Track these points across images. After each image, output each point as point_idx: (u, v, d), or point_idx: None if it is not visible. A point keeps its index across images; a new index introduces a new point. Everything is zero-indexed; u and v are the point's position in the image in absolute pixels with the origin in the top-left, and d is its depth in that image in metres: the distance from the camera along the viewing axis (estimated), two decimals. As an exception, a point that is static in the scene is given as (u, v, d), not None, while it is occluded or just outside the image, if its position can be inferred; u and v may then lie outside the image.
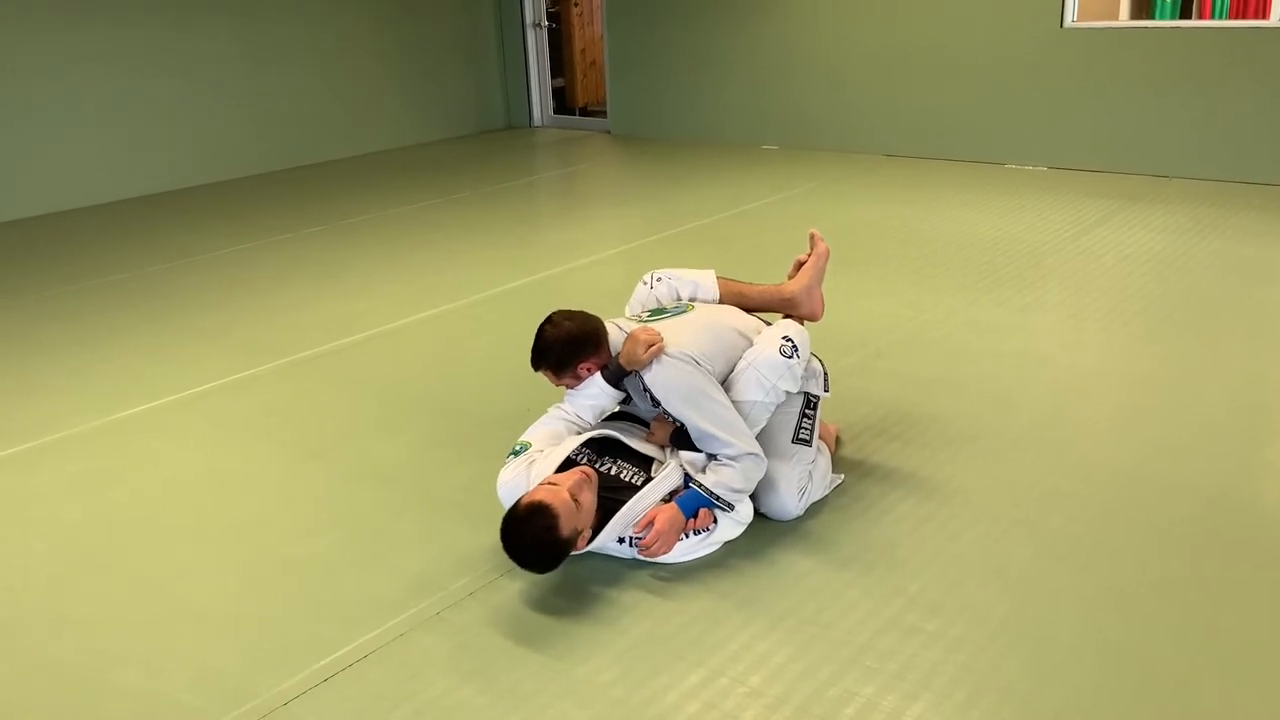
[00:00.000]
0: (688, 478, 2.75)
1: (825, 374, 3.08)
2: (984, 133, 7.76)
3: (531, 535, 2.48)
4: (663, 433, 2.89)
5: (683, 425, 2.79)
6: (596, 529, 2.63)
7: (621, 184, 8.06)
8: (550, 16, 10.49)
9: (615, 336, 2.88)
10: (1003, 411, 3.56)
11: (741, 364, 2.86)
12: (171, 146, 8.08)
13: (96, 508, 3.23)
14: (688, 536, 2.71)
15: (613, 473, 2.76)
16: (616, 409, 3.07)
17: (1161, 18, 7.21)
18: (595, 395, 2.88)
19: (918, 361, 4.04)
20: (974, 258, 5.35)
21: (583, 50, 11.13)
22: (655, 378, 2.77)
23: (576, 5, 11.04)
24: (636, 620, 2.51)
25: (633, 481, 2.74)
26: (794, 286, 3.19)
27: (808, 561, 2.72)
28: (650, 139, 9.48)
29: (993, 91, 7.64)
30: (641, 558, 2.70)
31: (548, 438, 2.87)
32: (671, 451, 2.86)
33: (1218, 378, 3.78)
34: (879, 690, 2.23)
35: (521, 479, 2.71)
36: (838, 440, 3.36)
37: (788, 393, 2.88)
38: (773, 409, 2.87)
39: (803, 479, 2.89)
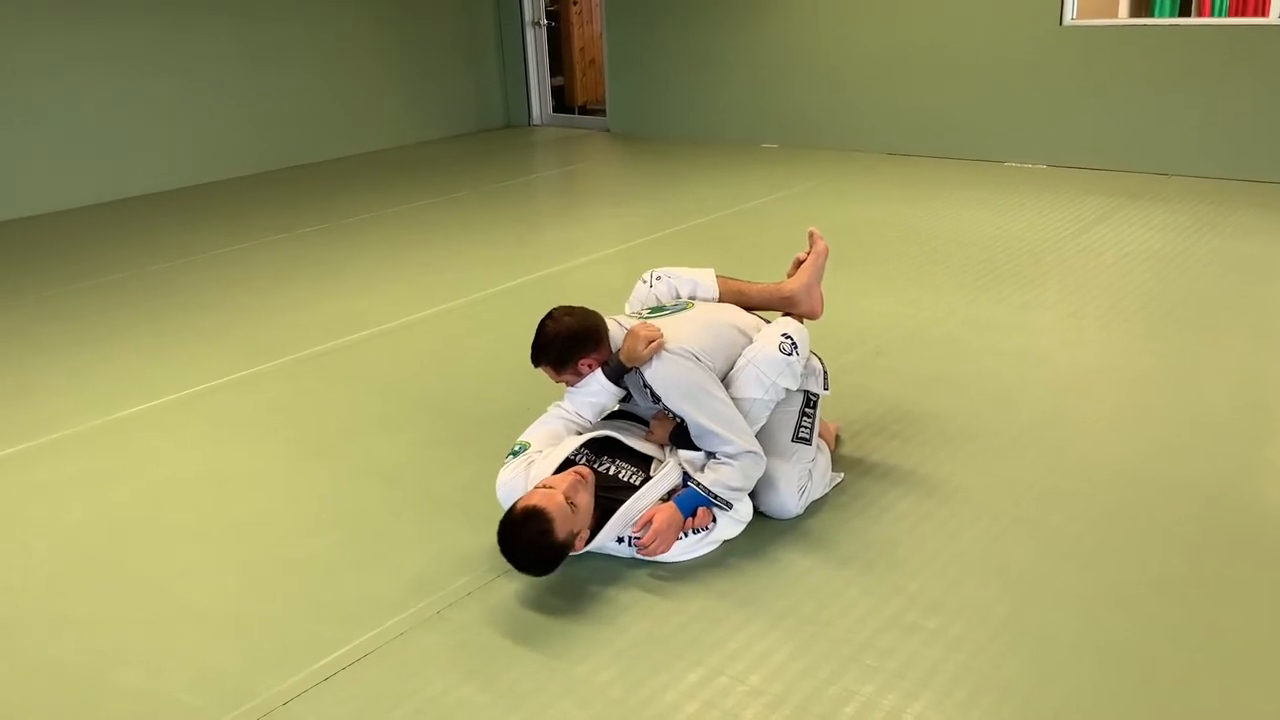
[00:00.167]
0: (686, 476, 2.74)
1: (825, 372, 3.08)
2: (983, 131, 7.76)
3: (527, 540, 2.48)
4: (662, 431, 2.89)
5: (682, 423, 2.79)
6: (595, 529, 2.63)
7: (621, 183, 8.06)
8: (549, 15, 10.49)
9: (615, 333, 2.88)
10: (1003, 409, 3.56)
11: (741, 361, 2.86)
12: (171, 146, 8.08)
13: (96, 507, 3.23)
14: (686, 535, 2.70)
15: (611, 472, 2.76)
16: (616, 407, 3.07)
17: (1161, 15, 7.22)
18: (596, 392, 2.88)
19: (917, 359, 4.04)
20: (974, 255, 5.35)
21: (582, 49, 11.12)
22: (655, 374, 2.77)
23: (575, 4, 11.03)
24: (635, 619, 2.51)
25: (631, 481, 2.74)
26: (793, 285, 3.19)
27: (807, 560, 2.72)
28: (649, 137, 9.47)
29: (992, 89, 7.64)
30: (640, 557, 2.70)
31: (547, 438, 2.87)
32: (671, 450, 2.86)
33: (1218, 376, 3.77)
34: (879, 689, 2.23)
35: (520, 479, 2.71)
36: (837, 438, 3.36)
37: (787, 390, 2.88)
38: (772, 406, 2.87)
39: (802, 477, 2.89)
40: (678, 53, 9.15)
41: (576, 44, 11.11)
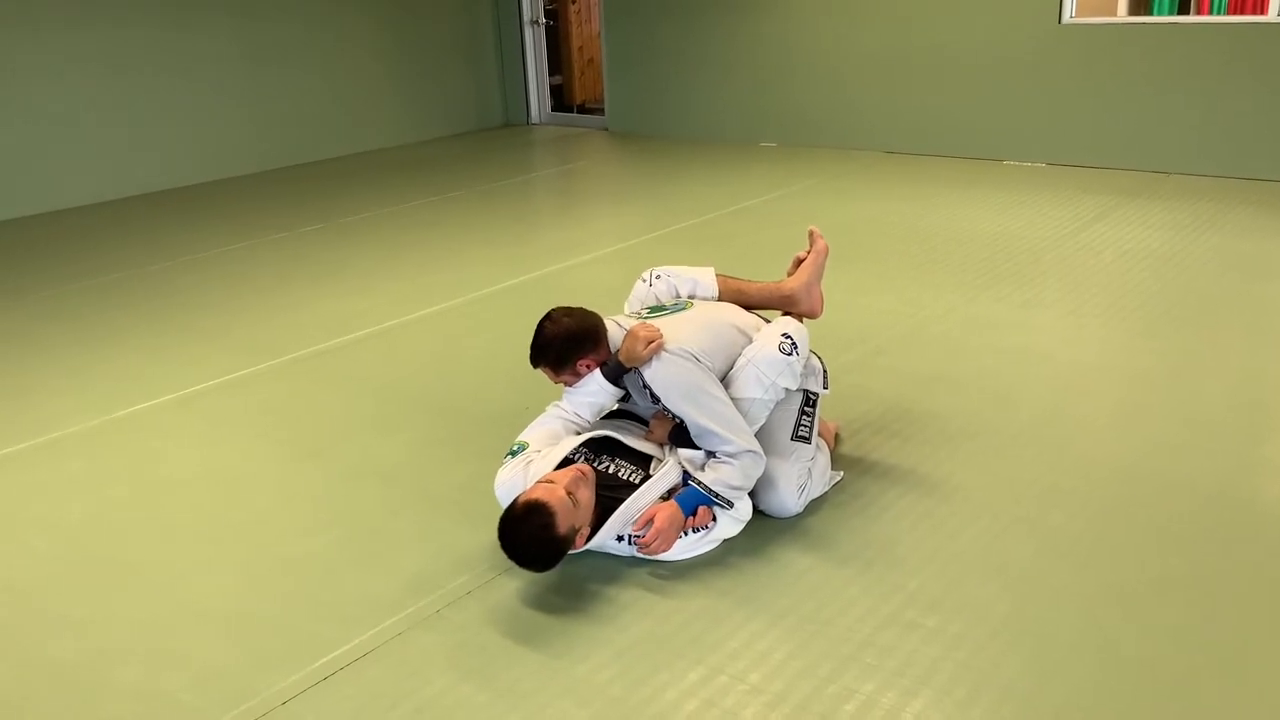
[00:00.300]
0: (686, 475, 2.74)
1: (824, 371, 3.08)
2: (982, 129, 7.76)
3: (528, 534, 2.48)
4: (662, 430, 2.89)
5: (682, 422, 2.79)
6: (595, 527, 2.63)
7: (619, 181, 8.06)
8: (548, 14, 10.48)
9: (614, 334, 2.88)
10: (1002, 408, 3.56)
11: (741, 361, 2.86)
12: (171, 146, 8.08)
13: (96, 507, 3.23)
14: (687, 534, 2.71)
15: (611, 471, 2.76)
16: (615, 407, 3.07)
17: (1160, 13, 7.21)
18: (594, 393, 2.88)
19: (917, 358, 4.04)
20: (973, 254, 5.35)
21: (580, 48, 11.12)
22: (655, 374, 2.77)
23: (574, 3, 11.03)
24: (635, 618, 2.51)
25: (631, 480, 2.74)
26: (793, 284, 3.19)
27: (807, 559, 2.72)
28: (648, 136, 9.47)
29: (991, 88, 7.64)
30: (640, 555, 2.70)
31: (545, 437, 2.87)
32: (670, 449, 2.86)
33: (1217, 374, 3.77)
34: (879, 687, 2.23)
35: (519, 479, 2.71)
36: (837, 437, 3.36)
37: (787, 390, 2.88)
38: (772, 406, 2.87)
39: (802, 476, 2.89)
40: (676, 51, 9.15)
41: (575, 43, 11.10)
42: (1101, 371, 3.88)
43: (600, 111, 10.19)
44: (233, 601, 2.69)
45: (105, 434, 3.75)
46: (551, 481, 2.57)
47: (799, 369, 2.87)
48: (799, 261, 3.25)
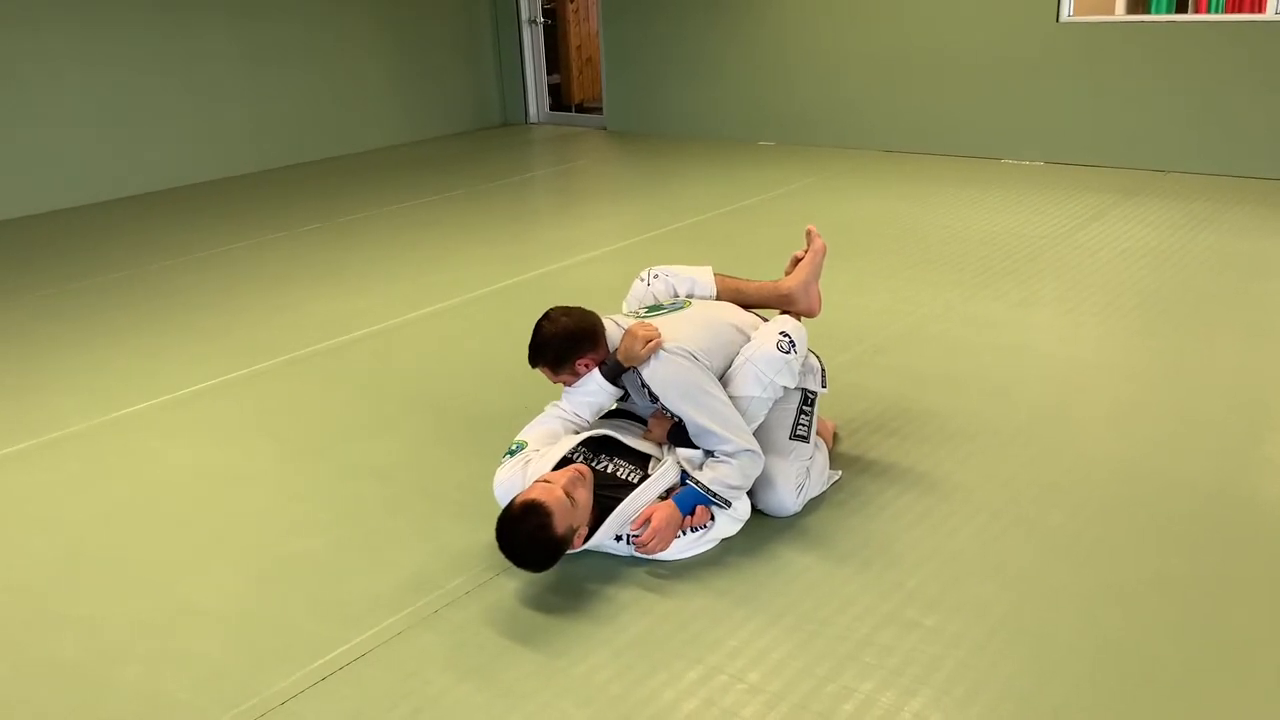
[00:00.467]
0: (685, 475, 2.74)
1: (823, 370, 3.08)
2: (980, 128, 7.76)
3: (526, 534, 2.48)
4: (660, 429, 2.89)
5: (680, 422, 2.79)
6: (593, 527, 2.63)
7: (618, 181, 8.06)
8: (546, 13, 10.48)
9: (613, 333, 2.88)
10: (1000, 406, 3.56)
11: (739, 360, 2.86)
12: (171, 145, 8.07)
13: (96, 507, 3.23)
14: (685, 534, 2.71)
15: (609, 470, 2.76)
16: (614, 406, 3.07)
17: (1157, 12, 7.21)
18: (593, 392, 2.88)
19: (915, 357, 4.04)
20: (971, 252, 5.36)
21: (578, 47, 11.12)
22: (653, 373, 2.77)
23: (572, 2, 11.03)
24: (634, 618, 2.51)
25: (629, 479, 2.74)
26: (791, 283, 3.19)
27: (806, 558, 2.72)
28: (646, 135, 9.47)
29: (989, 86, 7.64)
30: (639, 555, 2.70)
31: (544, 437, 2.87)
32: (669, 449, 2.86)
33: (1215, 373, 3.78)
34: (877, 686, 2.24)
35: (517, 478, 2.71)
36: (835, 436, 3.36)
37: (785, 388, 2.88)
38: (770, 404, 2.87)
39: (800, 475, 2.89)
40: (675, 50, 9.15)
41: (573, 42, 11.10)
42: (1099, 370, 3.89)
43: (598, 110, 10.19)
44: (232, 601, 2.69)
45: (105, 434, 3.75)
46: (549, 481, 2.57)
47: (797, 367, 2.87)
48: (797, 260, 3.25)
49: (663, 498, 2.72)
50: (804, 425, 2.92)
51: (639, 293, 3.18)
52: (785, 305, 3.19)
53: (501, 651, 2.42)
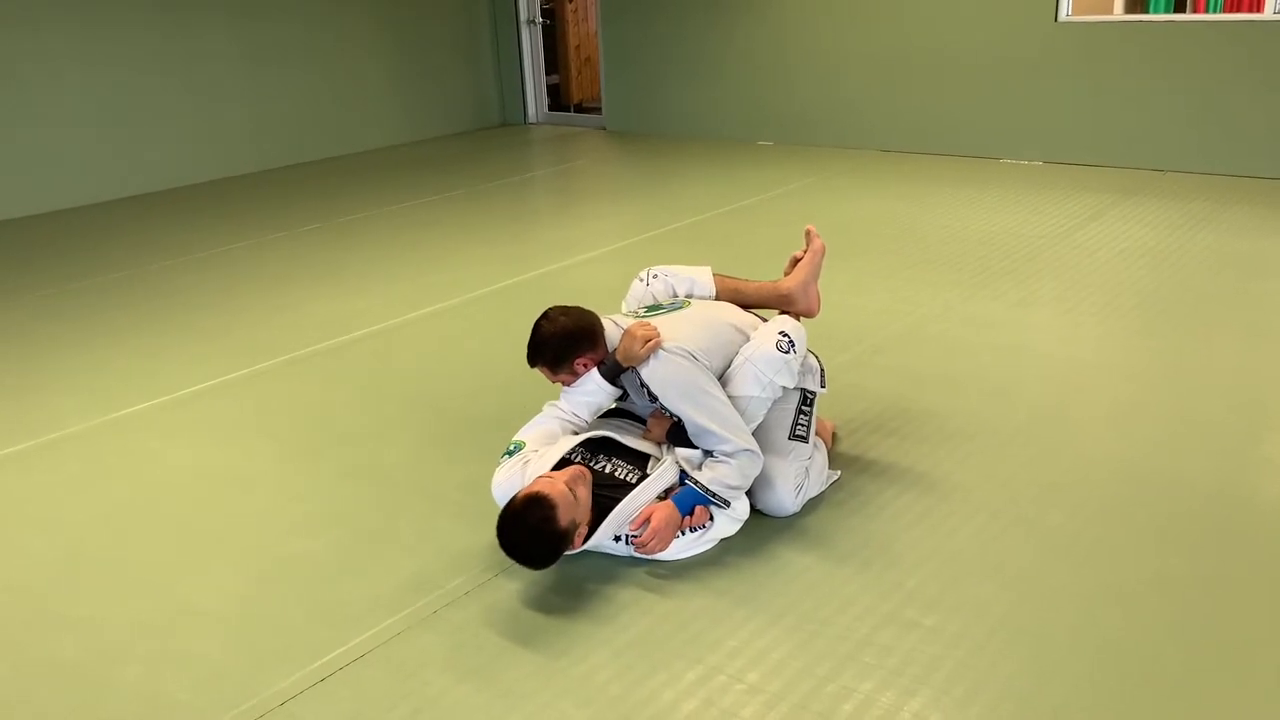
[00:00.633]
0: (684, 475, 2.75)
1: (822, 370, 3.08)
2: (979, 127, 7.76)
3: (530, 527, 2.48)
4: (659, 429, 2.89)
5: (679, 422, 2.79)
6: (592, 527, 2.63)
7: (617, 181, 8.06)
8: (545, 13, 10.48)
9: (612, 332, 2.88)
10: (1000, 406, 3.57)
11: (738, 359, 2.86)
12: (171, 145, 8.07)
13: (96, 507, 3.23)
14: (684, 534, 2.71)
15: (608, 470, 2.76)
16: (613, 406, 3.07)
17: (1156, 11, 7.22)
18: (592, 392, 2.88)
19: (914, 357, 4.04)
20: (969, 252, 5.36)
21: (577, 47, 11.12)
22: (652, 373, 2.77)
23: (571, 2, 11.03)
24: (634, 618, 2.51)
25: (628, 479, 2.74)
26: (790, 283, 3.19)
27: (805, 558, 2.72)
28: (645, 135, 9.47)
29: (987, 86, 7.64)
30: (638, 555, 2.70)
31: (542, 437, 2.87)
32: (668, 448, 2.86)
33: (1214, 372, 3.78)
34: (877, 686, 2.24)
35: (516, 479, 2.71)
36: (835, 436, 3.37)
37: (784, 388, 2.88)
38: (769, 404, 2.87)
39: (799, 475, 2.89)
40: (673, 50, 9.15)
41: (572, 42, 11.10)
42: (1098, 370, 3.89)
43: (597, 110, 10.18)
44: (232, 602, 2.69)
45: (105, 434, 3.75)
46: (551, 477, 2.57)
47: (796, 367, 2.87)
48: (796, 261, 3.26)
49: (661, 498, 2.73)
50: (803, 425, 2.92)
51: (638, 293, 3.19)
52: (784, 305, 3.19)
53: (501, 652, 2.42)
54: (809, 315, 3.22)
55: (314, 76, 8.87)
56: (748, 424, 2.80)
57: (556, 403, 2.95)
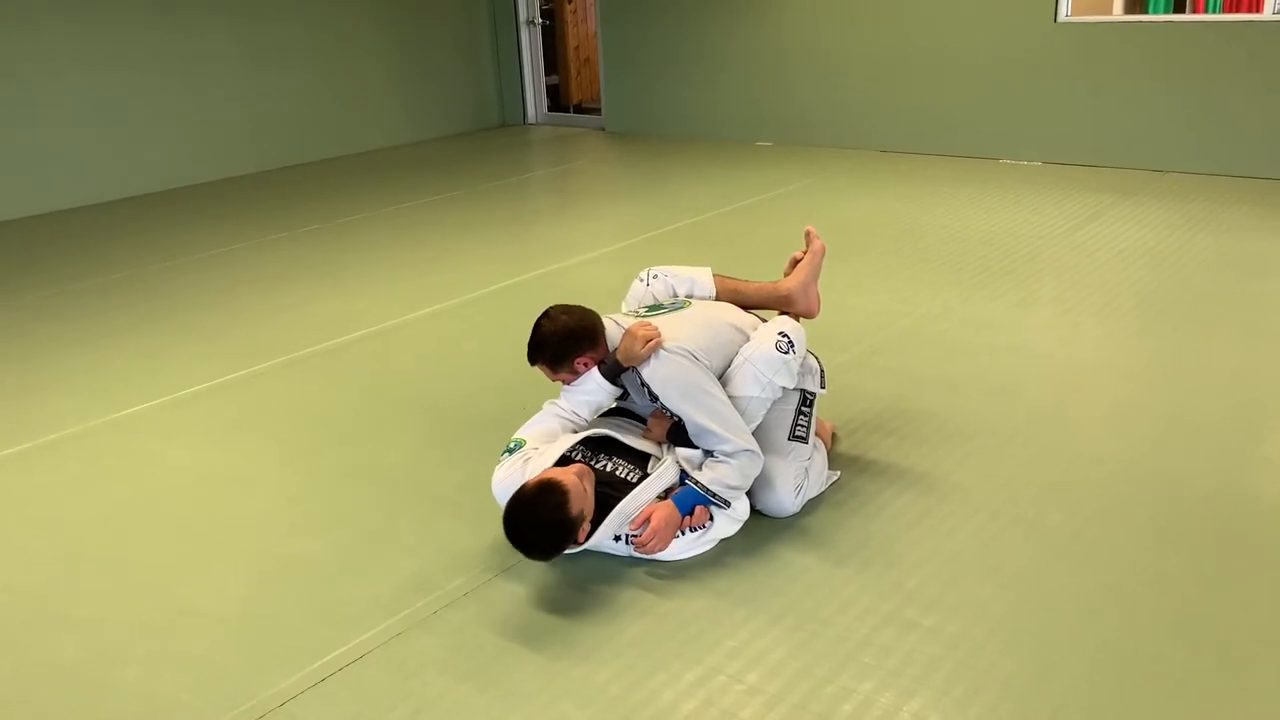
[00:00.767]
0: (684, 475, 2.75)
1: (822, 371, 3.09)
2: (978, 128, 7.76)
3: (541, 511, 2.47)
4: (660, 429, 2.89)
5: (680, 421, 2.79)
6: (594, 524, 2.63)
7: (616, 181, 8.06)
8: (544, 14, 10.48)
9: (613, 332, 2.88)
10: (999, 406, 3.57)
11: (738, 359, 2.86)
12: (171, 146, 8.07)
13: (95, 507, 3.23)
14: (684, 534, 2.71)
15: (609, 469, 2.76)
16: (613, 405, 3.07)
17: (1155, 12, 7.22)
18: (592, 391, 2.88)
19: (914, 357, 4.04)
20: (969, 253, 5.36)
21: (577, 47, 11.12)
22: (653, 373, 2.78)
23: (570, 2, 11.03)
24: (634, 618, 2.52)
25: (629, 478, 2.74)
26: (790, 284, 3.19)
27: (805, 558, 2.73)
28: (645, 136, 9.47)
29: (987, 86, 7.65)
30: (638, 555, 2.70)
31: (542, 435, 2.86)
32: (668, 448, 2.86)
33: (1213, 373, 3.78)
34: (876, 687, 2.24)
35: (516, 477, 2.71)
36: (834, 437, 3.37)
37: (784, 389, 2.88)
38: (769, 404, 2.87)
39: (799, 476, 2.89)
40: (673, 51, 9.15)
41: (571, 42, 11.10)
42: (1097, 370, 3.89)
43: (597, 111, 10.18)
44: (231, 602, 2.69)
45: (105, 435, 3.75)
46: (560, 469, 2.57)
47: (796, 367, 2.88)
48: (796, 262, 3.26)
49: (662, 498, 2.73)
50: (802, 426, 2.93)
51: (638, 293, 3.19)
52: (784, 306, 3.19)
53: (501, 653, 2.42)
54: (809, 316, 3.22)
55: (314, 76, 8.88)
56: (747, 424, 2.80)
57: (556, 401, 2.95)
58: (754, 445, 2.75)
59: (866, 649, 2.36)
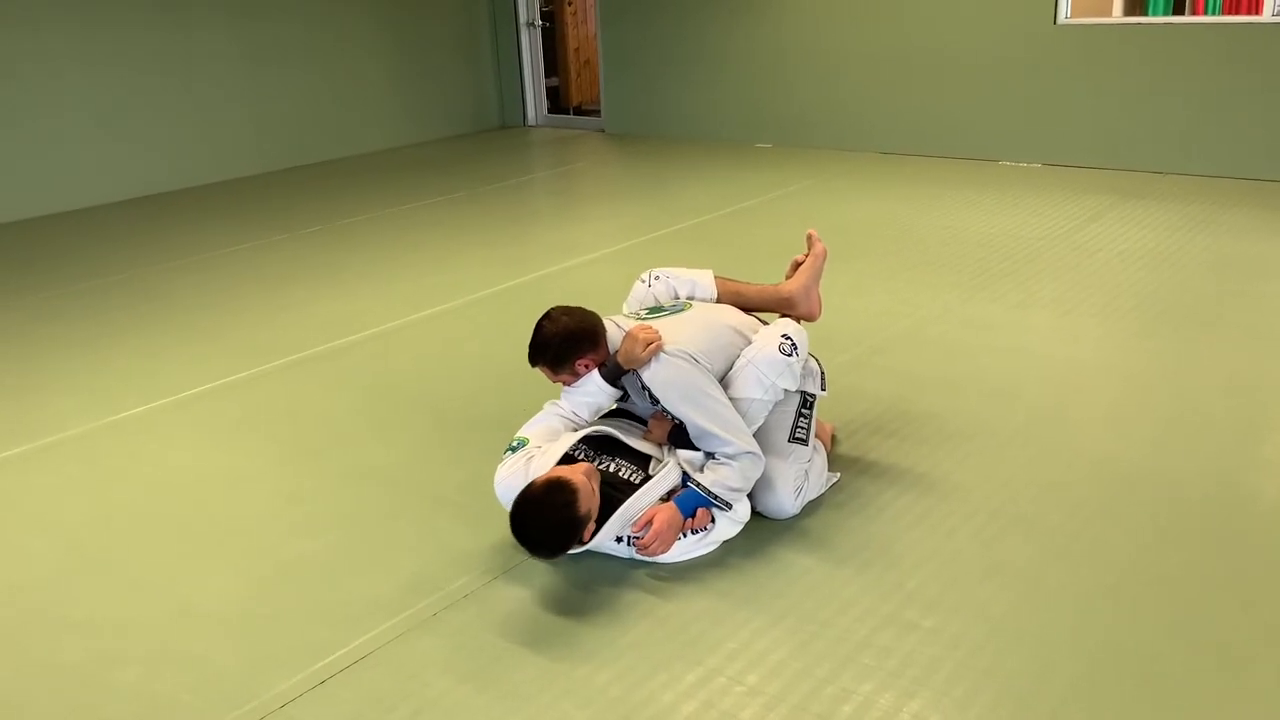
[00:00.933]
0: (686, 477, 2.75)
1: (822, 373, 3.09)
2: (978, 130, 7.77)
3: (550, 510, 2.47)
4: (660, 431, 2.90)
5: (681, 423, 2.79)
6: (597, 525, 2.63)
7: (616, 183, 8.07)
8: (544, 16, 10.49)
9: (614, 334, 2.89)
10: (999, 408, 3.57)
11: (740, 361, 2.87)
12: (171, 147, 8.08)
13: (96, 508, 3.23)
14: (685, 536, 2.71)
15: (611, 470, 2.76)
16: (614, 406, 3.07)
17: (1154, 14, 7.23)
18: (592, 393, 2.88)
19: (914, 358, 4.05)
20: (969, 254, 5.36)
21: (576, 49, 11.13)
22: (654, 376, 2.78)
23: (570, 4, 11.03)
24: (635, 620, 2.52)
25: (631, 479, 2.75)
26: (792, 286, 3.20)
27: (806, 559, 2.73)
28: (645, 138, 9.48)
29: (987, 88, 7.65)
30: (639, 557, 2.70)
31: (545, 434, 2.86)
32: (669, 450, 2.87)
33: (1212, 374, 3.79)
34: (876, 688, 2.24)
35: (519, 476, 2.71)
36: (834, 439, 3.37)
37: (785, 391, 2.88)
38: (770, 407, 2.87)
39: (799, 478, 2.90)
40: (673, 53, 9.16)
41: (571, 44, 11.11)
42: (1098, 371, 3.90)
43: (597, 113, 10.19)
44: (232, 604, 2.69)
45: (106, 436, 3.75)
46: (569, 467, 2.57)
47: (798, 370, 2.88)
48: (797, 264, 3.26)
49: (663, 500, 2.73)
50: (803, 428, 2.93)
51: (640, 294, 3.19)
52: (785, 309, 3.19)
53: (502, 654, 2.42)
54: (810, 319, 3.22)
55: (314, 77, 8.88)
56: (748, 426, 2.80)
57: (557, 402, 2.95)
58: (755, 447, 2.75)
59: (867, 650, 2.36)
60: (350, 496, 3.22)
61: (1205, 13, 7.04)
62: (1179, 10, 7.18)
